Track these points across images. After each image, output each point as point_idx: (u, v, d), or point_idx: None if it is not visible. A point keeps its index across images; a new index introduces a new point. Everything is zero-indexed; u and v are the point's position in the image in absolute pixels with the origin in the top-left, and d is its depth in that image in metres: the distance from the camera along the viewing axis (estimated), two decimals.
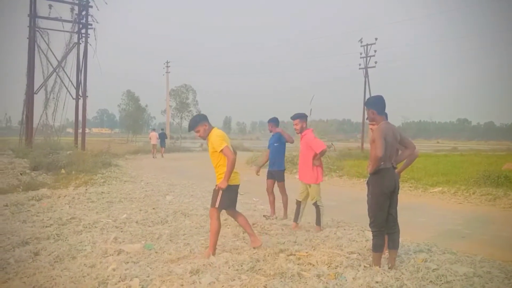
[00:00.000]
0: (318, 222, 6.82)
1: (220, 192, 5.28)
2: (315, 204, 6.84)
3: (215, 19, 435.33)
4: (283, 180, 7.93)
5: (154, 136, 28.42)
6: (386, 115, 4.96)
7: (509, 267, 4.99)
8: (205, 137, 5.44)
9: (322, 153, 6.79)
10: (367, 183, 4.89)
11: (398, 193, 4.83)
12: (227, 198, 5.35)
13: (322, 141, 7.24)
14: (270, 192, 8.03)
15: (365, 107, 4.94)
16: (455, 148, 42.68)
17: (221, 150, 5.21)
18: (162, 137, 29.43)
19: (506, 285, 4.28)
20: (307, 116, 7.22)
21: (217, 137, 5.31)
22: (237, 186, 5.52)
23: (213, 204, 5.37)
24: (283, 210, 7.95)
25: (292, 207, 7.38)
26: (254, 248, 5.53)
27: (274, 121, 8.16)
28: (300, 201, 7.02)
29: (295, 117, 7.09)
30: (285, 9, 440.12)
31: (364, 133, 35.93)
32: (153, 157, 27.56)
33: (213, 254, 5.24)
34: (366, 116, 6.16)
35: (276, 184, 7.98)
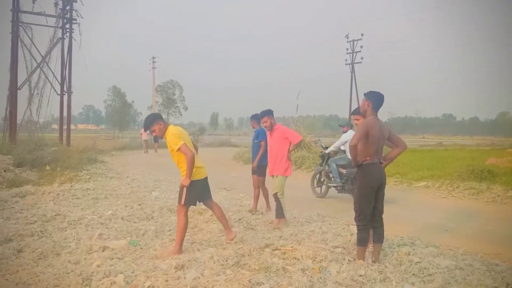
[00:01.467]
0: (278, 214, 6.89)
1: (184, 189, 5.30)
2: (275, 195, 6.91)
3: (202, 11, 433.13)
4: (264, 176, 7.97)
5: (144, 132, 28.11)
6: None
7: (491, 260, 5.08)
8: (161, 135, 5.44)
9: (298, 143, 7.06)
10: (354, 177, 4.94)
11: (384, 188, 4.88)
12: (193, 194, 5.37)
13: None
14: (256, 186, 8.07)
15: (364, 97, 4.93)
16: (440, 143, 43.02)
17: (178, 149, 5.19)
18: None
19: (487, 277, 4.35)
20: (272, 112, 7.25)
21: (173, 136, 5.27)
22: (203, 180, 5.53)
23: (179, 201, 5.40)
24: (265, 203, 8.07)
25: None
26: (230, 240, 5.60)
27: (255, 118, 8.20)
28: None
29: (262, 115, 7.17)
30: (273, 2, 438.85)
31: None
32: (145, 152, 27.60)
33: (179, 252, 5.20)
34: (351, 112, 6.17)
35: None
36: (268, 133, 7.28)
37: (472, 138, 69.42)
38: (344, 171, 9.50)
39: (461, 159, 17.33)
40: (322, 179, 10.52)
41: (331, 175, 9.99)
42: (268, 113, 7.16)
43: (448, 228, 7.29)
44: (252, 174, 8.14)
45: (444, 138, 66.54)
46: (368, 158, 4.70)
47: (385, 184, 4.90)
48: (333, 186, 9.95)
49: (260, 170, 7.98)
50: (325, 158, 10.33)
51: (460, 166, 12.91)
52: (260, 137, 7.98)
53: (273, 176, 7.10)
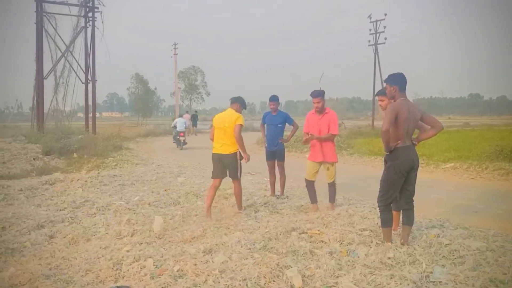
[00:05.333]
0: (332, 199, 6.87)
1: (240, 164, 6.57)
2: (333, 184, 6.82)
3: None
4: (283, 160, 7.92)
5: (186, 118, 30.41)
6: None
7: None
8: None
9: (328, 137, 6.65)
10: (384, 159, 4.86)
11: (417, 170, 4.79)
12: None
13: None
14: (273, 173, 8.01)
15: (386, 83, 4.83)
16: (467, 123, 42.13)
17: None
18: (194, 118, 33.77)
19: None
20: (324, 92, 6.81)
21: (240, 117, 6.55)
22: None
23: (239, 176, 6.59)
24: (280, 189, 7.98)
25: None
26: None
27: (277, 99, 7.91)
28: (313, 181, 6.80)
29: (316, 94, 6.65)
30: None
31: (374, 110, 35.62)
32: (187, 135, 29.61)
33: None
34: (376, 93, 6.03)
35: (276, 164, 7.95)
36: (314, 115, 6.73)
37: (500, 117, 67.66)
38: None
39: (489, 139, 16.92)
40: None
41: None
42: (321, 93, 6.70)
43: (477, 209, 7.16)
44: (268, 160, 8.01)
45: (471, 118, 65.06)
46: (399, 141, 4.61)
47: (418, 166, 4.79)
48: None
49: (280, 155, 7.90)
50: None
51: (489, 146, 12.63)
52: (287, 120, 7.83)
53: (321, 162, 6.67)
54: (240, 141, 6.36)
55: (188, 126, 30.96)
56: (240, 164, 6.57)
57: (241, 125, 6.42)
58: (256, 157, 9.35)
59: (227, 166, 6.49)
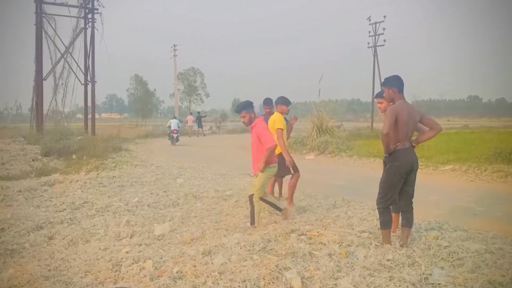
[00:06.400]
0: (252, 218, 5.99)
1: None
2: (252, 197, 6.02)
3: None
4: None
5: (190, 119, 33.72)
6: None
7: None
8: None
9: (271, 149, 5.88)
10: (384, 161, 4.86)
11: (416, 172, 4.80)
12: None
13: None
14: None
15: (384, 87, 4.84)
16: (466, 125, 42.18)
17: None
18: (199, 119, 34.66)
19: None
20: (252, 104, 6.26)
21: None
22: None
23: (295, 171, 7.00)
24: (278, 191, 7.95)
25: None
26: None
27: (271, 103, 7.70)
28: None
29: (239, 109, 6.13)
30: None
31: (373, 112, 35.64)
32: (189, 136, 31.83)
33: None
34: (375, 95, 6.02)
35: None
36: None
37: (499, 119, 67.63)
38: None
39: (488, 141, 16.95)
40: None
41: None
42: (247, 106, 6.09)
43: (476, 211, 7.16)
44: None
45: (470, 120, 65.13)
46: (398, 143, 4.62)
47: (417, 168, 4.81)
48: None
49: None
50: None
51: (488, 148, 12.63)
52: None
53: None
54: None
55: (190, 128, 32.88)
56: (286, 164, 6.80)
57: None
58: None
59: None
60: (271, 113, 7.64)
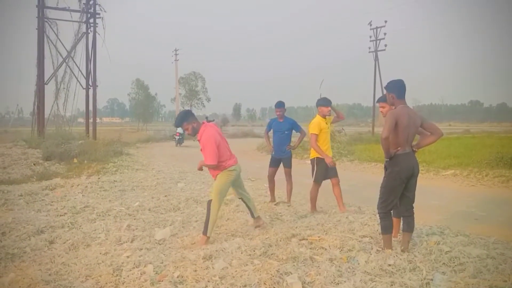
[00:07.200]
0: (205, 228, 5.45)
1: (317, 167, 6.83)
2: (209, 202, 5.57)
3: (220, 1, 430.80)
4: (290, 167, 7.86)
5: None
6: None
7: None
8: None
9: (211, 166, 5.63)
10: (385, 166, 4.86)
11: (417, 177, 4.79)
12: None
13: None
14: (272, 180, 7.97)
15: (385, 91, 4.87)
16: (467, 130, 42.26)
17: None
18: None
19: None
20: (192, 113, 5.90)
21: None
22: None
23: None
24: (287, 196, 7.89)
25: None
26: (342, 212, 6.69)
27: (283, 105, 7.79)
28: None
29: (177, 123, 5.74)
30: None
31: (375, 117, 35.66)
32: (193, 140, 30.95)
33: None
34: (376, 100, 6.02)
35: (277, 172, 7.92)
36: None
37: (500, 124, 67.68)
38: None
39: (490, 146, 16.93)
40: None
41: None
42: (185, 117, 5.63)
43: (478, 216, 7.15)
44: (270, 166, 7.94)
45: (471, 125, 65.11)
46: (399, 148, 4.62)
47: (418, 173, 4.80)
48: None
49: (288, 162, 7.84)
50: None
51: (489, 153, 12.64)
52: (295, 127, 7.77)
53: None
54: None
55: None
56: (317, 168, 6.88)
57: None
58: (257, 163, 9.42)
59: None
60: (282, 116, 7.69)
